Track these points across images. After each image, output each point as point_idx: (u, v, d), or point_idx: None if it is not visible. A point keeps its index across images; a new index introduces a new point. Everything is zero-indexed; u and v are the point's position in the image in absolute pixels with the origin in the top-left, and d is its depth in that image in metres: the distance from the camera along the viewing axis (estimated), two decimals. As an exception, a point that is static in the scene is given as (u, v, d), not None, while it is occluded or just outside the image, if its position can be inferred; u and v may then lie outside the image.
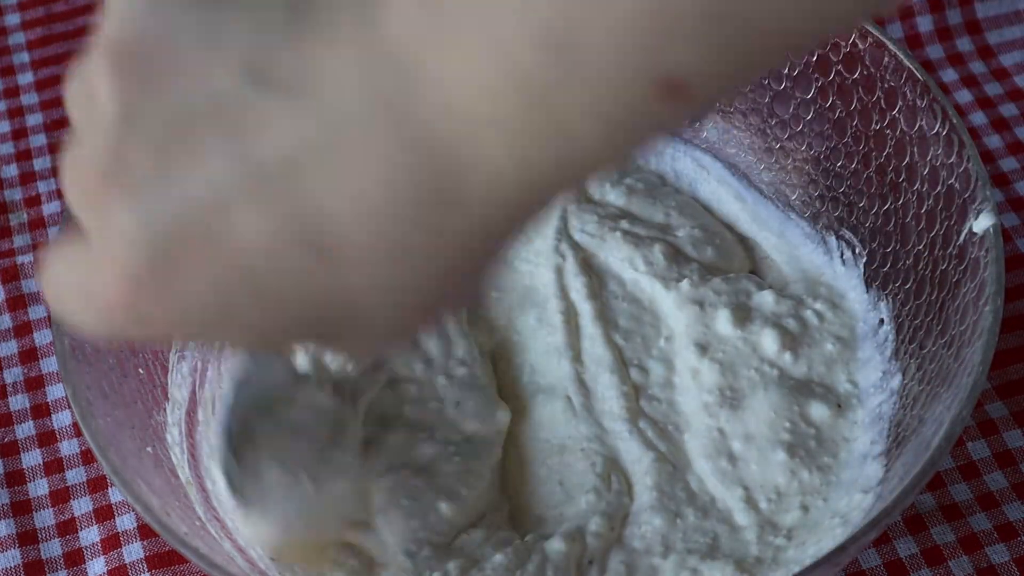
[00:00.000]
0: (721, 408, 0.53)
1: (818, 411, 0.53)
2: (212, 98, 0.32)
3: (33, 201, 0.65)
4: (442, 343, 0.55)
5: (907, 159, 0.53)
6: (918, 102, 0.53)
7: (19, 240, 0.64)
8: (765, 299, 0.56)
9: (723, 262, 0.58)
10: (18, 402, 0.59)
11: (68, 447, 0.58)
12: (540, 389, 0.55)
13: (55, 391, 0.60)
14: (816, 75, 0.56)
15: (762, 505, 0.52)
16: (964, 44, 0.70)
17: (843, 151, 0.56)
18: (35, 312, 0.62)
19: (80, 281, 0.34)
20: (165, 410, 0.52)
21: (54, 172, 0.66)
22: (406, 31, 0.30)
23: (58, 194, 0.65)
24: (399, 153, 0.31)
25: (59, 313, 0.36)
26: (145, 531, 0.55)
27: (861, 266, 0.56)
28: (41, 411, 0.59)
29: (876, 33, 0.54)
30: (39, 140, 0.68)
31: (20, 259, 0.64)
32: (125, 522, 0.56)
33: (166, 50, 0.32)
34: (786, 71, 0.57)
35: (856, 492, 0.50)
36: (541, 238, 0.58)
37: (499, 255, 0.34)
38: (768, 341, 0.55)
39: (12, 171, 0.66)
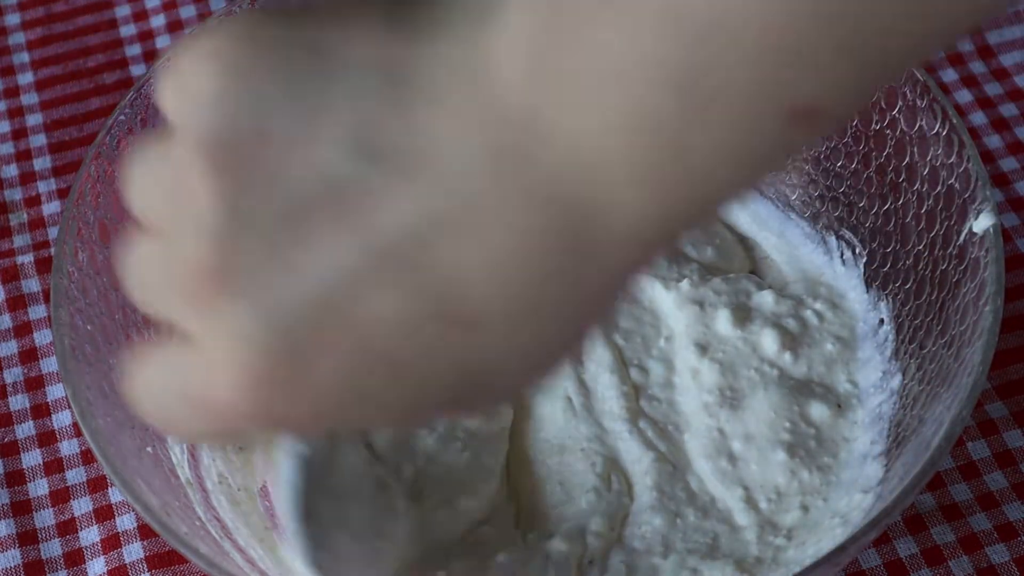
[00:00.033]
0: (721, 408, 0.53)
1: (818, 411, 0.53)
2: (322, 180, 0.30)
3: (33, 201, 0.65)
4: None
5: (907, 159, 0.53)
6: (918, 102, 0.53)
7: (19, 240, 0.64)
8: (765, 299, 0.56)
9: (723, 262, 0.58)
10: (18, 402, 0.59)
11: (68, 447, 0.58)
12: (540, 389, 0.55)
13: (55, 391, 0.60)
14: (816, 75, 0.56)
15: (762, 505, 0.52)
16: (964, 44, 0.70)
17: (843, 151, 0.56)
18: (35, 312, 0.62)
19: (187, 387, 0.33)
20: (165, 410, 0.52)
21: (54, 172, 0.66)
22: (518, 86, 0.29)
23: (58, 194, 0.65)
24: (531, 212, 0.30)
25: (159, 421, 0.35)
26: (145, 531, 0.55)
27: (861, 266, 0.56)
28: (41, 411, 0.59)
29: (876, 33, 0.54)
30: (39, 140, 0.68)
31: (20, 259, 0.63)
32: (125, 522, 0.56)
33: (264, 138, 0.31)
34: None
35: (856, 492, 0.50)
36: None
37: (628, 290, 0.33)
38: (768, 341, 0.55)
39: (12, 171, 0.66)
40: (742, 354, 0.55)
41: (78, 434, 0.58)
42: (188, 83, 0.31)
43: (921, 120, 0.52)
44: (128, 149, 0.36)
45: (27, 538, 0.56)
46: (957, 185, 0.51)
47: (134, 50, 0.71)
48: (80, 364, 0.48)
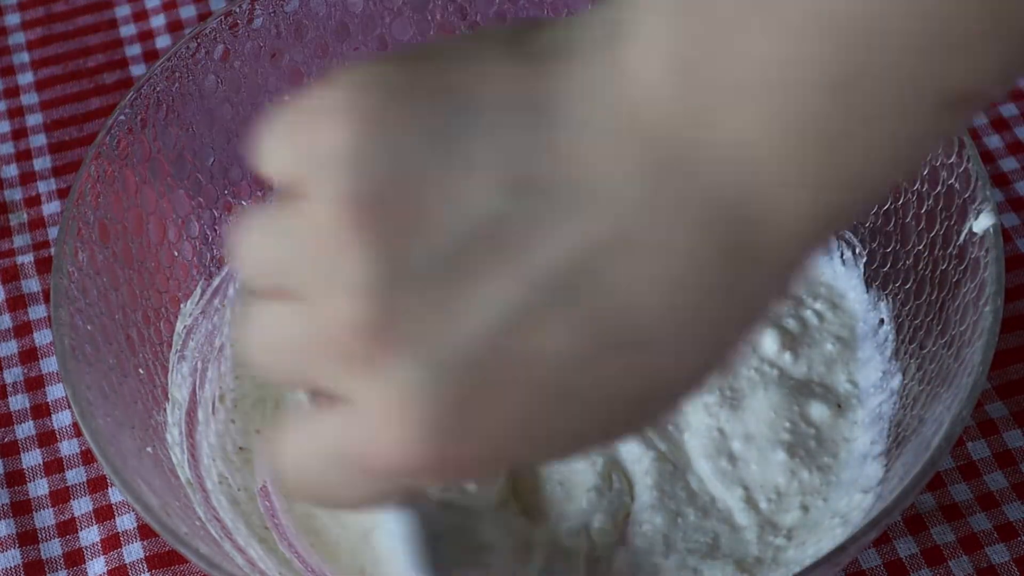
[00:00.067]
0: (721, 408, 0.53)
1: (818, 411, 0.53)
2: (478, 221, 0.30)
3: (33, 201, 0.65)
4: None
5: (907, 159, 0.53)
6: (918, 102, 0.52)
7: (19, 240, 0.64)
8: (765, 299, 0.56)
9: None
10: (18, 402, 0.59)
11: (68, 447, 0.58)
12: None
13: (55, 391, 0.60)
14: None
15: (762, 505, 0.52)
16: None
17: (843, 151, 0.56)
18: (35, 312, 0.62)
19: (346, 451, 0.32)
20: (165, 410, 0.52)
21: (54, 172, 0.66)
22: (665, 100, 0.29)
23: (58, 194, 0.65)
24: (695, 227, 0.30)
25: (316, 494, 0.34)
26: (145, 531, 0.55)
27: (861, 266, 0.56)
28: (41, 411, 0.59)
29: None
30: (39, 140, 0.68)
31: (20, 259, 0.63)
32: (125, 522, 0.56)
33: (409, 187, 0.30)
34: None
35: (856, 492, 0.50)
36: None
37: (788, 293, 0.33)
38: (768, 341, 0.55)
39: (12, 171, 0.66)
40: (742, 354, 0.55)
41: (78, 434, 0.58)
42: (318, 139, 0.31)
43: (921, 120, 0.52)
44: (235, 221, 0.35)
45: (27, 538, 0.56)
46: (957, 185, 0.51)
47: (134, 50, 0.71)
48: (80, 364, 0.48)
